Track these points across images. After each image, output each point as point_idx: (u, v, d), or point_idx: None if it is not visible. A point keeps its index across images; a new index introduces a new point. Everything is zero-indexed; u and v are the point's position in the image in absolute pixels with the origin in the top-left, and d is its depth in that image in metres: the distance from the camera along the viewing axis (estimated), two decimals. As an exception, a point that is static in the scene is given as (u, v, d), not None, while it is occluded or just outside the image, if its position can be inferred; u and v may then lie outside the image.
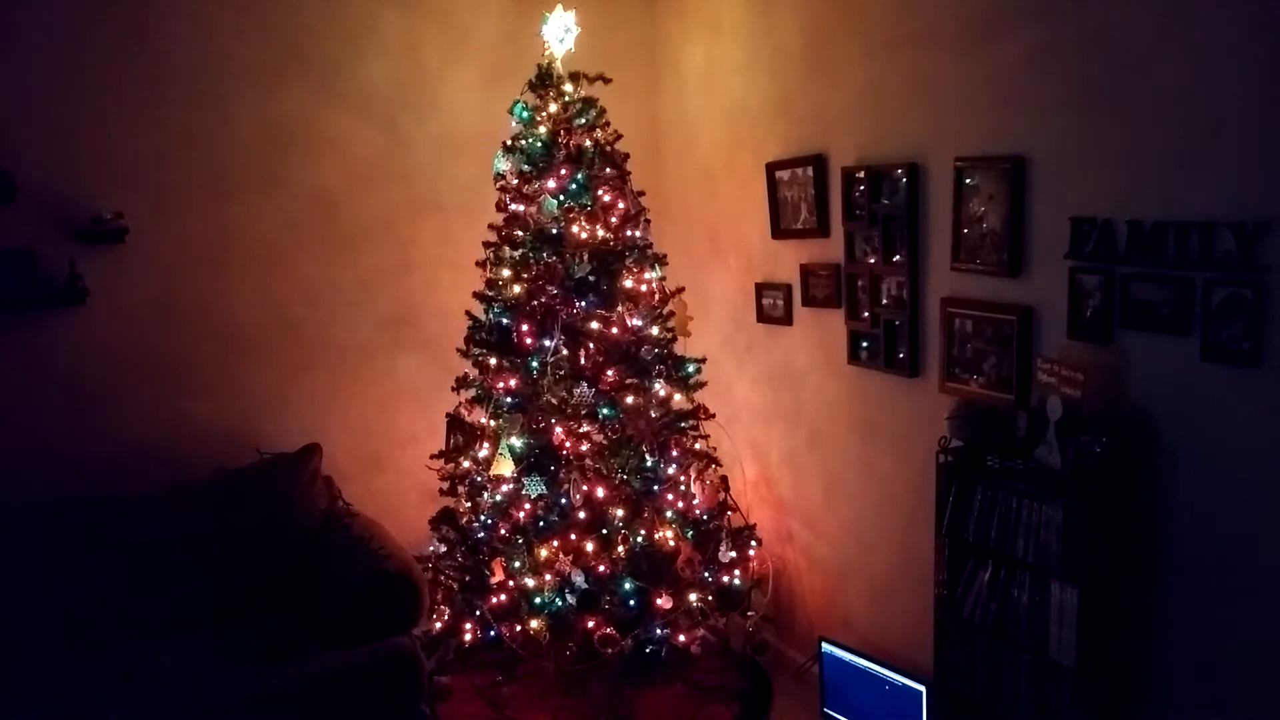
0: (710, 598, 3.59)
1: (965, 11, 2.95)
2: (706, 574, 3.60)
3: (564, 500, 3.49)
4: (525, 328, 3.49)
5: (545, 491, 3.48)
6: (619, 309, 3.53)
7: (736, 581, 3.71)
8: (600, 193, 3.55)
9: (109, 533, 3.38)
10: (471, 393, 3.68)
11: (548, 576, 3.44)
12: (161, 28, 3.68)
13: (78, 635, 3.22)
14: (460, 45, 4.26)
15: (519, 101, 3.60)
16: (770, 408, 4.14)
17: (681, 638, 3.53)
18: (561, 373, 3.49)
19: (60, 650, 3.17)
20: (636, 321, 3.54)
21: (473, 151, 4.20)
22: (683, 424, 3.64)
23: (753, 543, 3.86)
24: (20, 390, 3.55)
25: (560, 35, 3.58)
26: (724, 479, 3.90)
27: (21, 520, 3.31)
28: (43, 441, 3.59)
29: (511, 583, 3.51)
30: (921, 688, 3.19)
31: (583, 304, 3.48)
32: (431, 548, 3.79)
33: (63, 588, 3.26)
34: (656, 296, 3.66)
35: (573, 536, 3.45)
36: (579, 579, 3.44)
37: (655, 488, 3.54)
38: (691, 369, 3.70)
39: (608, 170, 3.59)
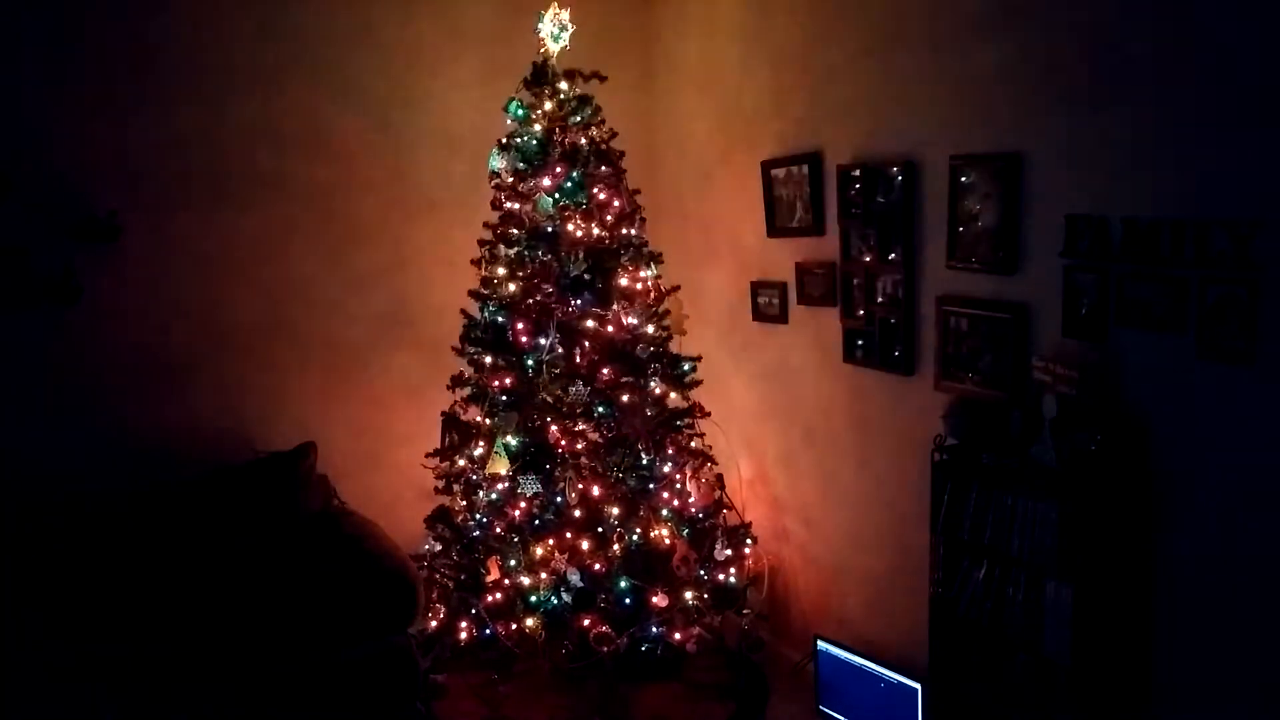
0: (706, 596, 3.59)
1: (961, 9, 2.95)
2: (702, 572, 3.59)
3: (559, 499, 3.48)
4: (520, 326, 3.48)
5: (540, 490, 3.47)
6: (614, 307, 3.52)
7: (732, 580, 3.71)
8: (595, 191, 3.54)
9: (103, 530, 3.37)
10: (467, 391, 3.68)
11: (543, 575, 3.44)
12: (157, 25, 3.66)
13: (70, 633, 3.21)
14: (455, 43, 4.25)
15: (514, 99, 3.59)
16: (766, 406, 4.14)
17: (677, 636, 3.52)
18: (557, 371, 3.48)
19: (53, 648, 3.16)
20: (632, 320, 3.54)
21: (468, 149, 4.19)
22: (678, 422, 3.64)
23: (748, 541, 3.85)
24: (13, 389, 3.54)
25: (555, 33, 3.57)
26: (719, 477, 3.90)
27: (13, 519, 3.30)
28: (34, 440, 3.58)
29: (507, 581, 3.51)
30: (917, 686, 3.20)
31: (578, 302, 3.48)
32: (427, 546, 3.78)
33: (56, 586, 3.25)
34: (652, 295, 3.65)
35: (568, 535, 3.45)
36: (574, 577, 3.44)
37: (651, 486, 3.53)
38: (687, 367, 3.69)
39: (603, 168, 3.58)
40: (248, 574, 3.51)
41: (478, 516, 3.61)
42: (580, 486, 3.44)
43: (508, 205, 3.60)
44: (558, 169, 3.48)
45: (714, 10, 4.16)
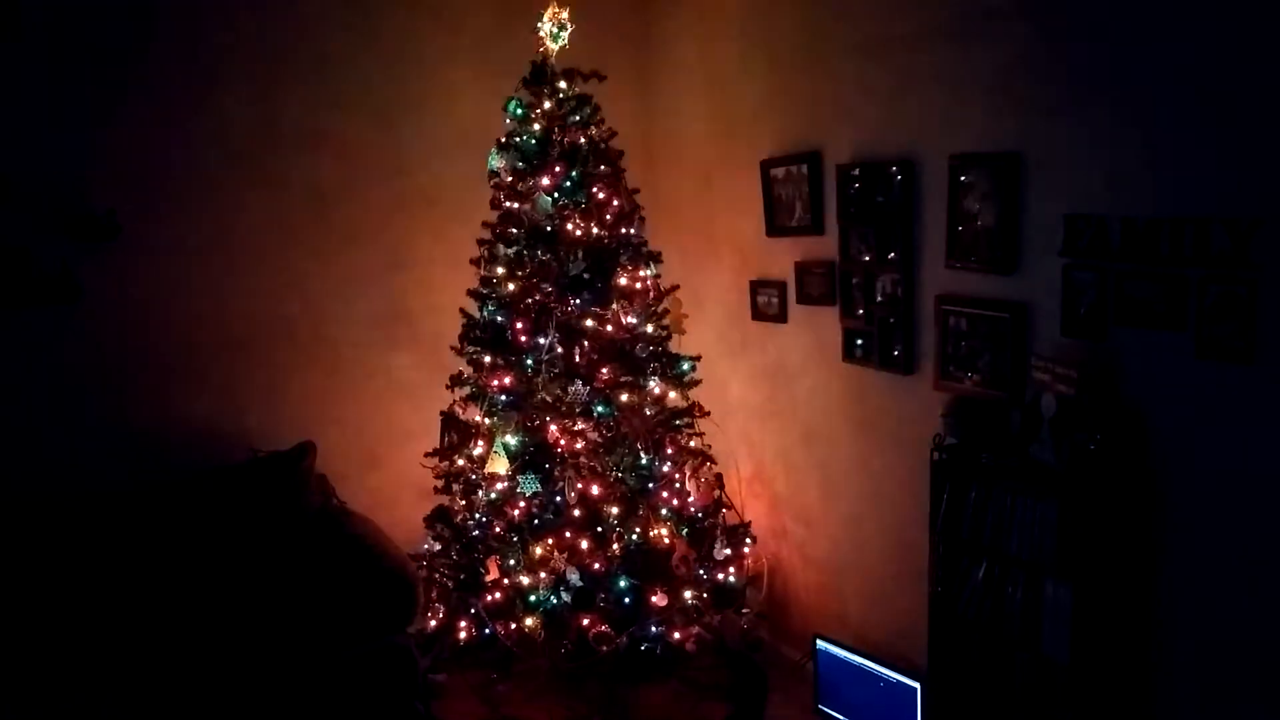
0: (705, 595, 3.59)
1: (960, 8, 2.95)
2: (701, 571, 3.60)
3: (559, 498, 3.48)
4: (520, 325, 3.48)
5: (540, 489, 3.48)
6: (614, 306, 3.52)
7: (731, 579, 3.71)
8: (594, 190, 3.54)
9: (100, 530, 3.37)
10: (466, 390, 3.68)
11: (543, 574, 3.44)
12: (156, 22, 3.66)
13: (67, 632, 3.21)
14: (455, 41, 4.25)
15: (513, 98, 3.59)
16: (765, 405, 4.14)
17: (676, 635, 3.53)
18: (556, 370, 3.48)
19: (52, 647, 3.16)
20: (631, 319, 3.54)
21: (467, 148, 4.18)
22: (677, 422, 3.64)
23: (747, 540, 3.85)
24: (11, 388, 3.53)
25: (554, 32, 3.57)
26: (719, 476, 3.90)
27: (11, 517, 3.30)
28: (33, 439, 3.57)
29: (506, 580, 3.51)
30: (916, 685, 3.20)
31: (577, 301, 3.48)
32: (426, 546, 3.79)
33: (53, 585, 3.24)
34: (651, 294, 3.65)
35: (568, 534, 3.45)
36: (574, 577, 3.44)
37: (650, 485, 3.54)
38: (686, 366, 3.69)
39: (602, 167, 3.59)
40: (246, 574, 3.50)
41: (477, 516, 3.62)
42: (579, 486, 3.44)
43: (507, 204, 3.60)
44: (557, 168, 3.48)
45: (713, 9, 4.16)
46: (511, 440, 3.48)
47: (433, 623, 3.67)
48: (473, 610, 3.57)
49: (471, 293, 3.70)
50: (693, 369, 3.71)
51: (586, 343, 3.50)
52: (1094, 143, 2.57)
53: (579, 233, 3.48)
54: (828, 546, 3.88)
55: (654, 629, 3.50)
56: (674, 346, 3.79)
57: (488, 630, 3.56)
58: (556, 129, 3.55)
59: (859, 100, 3.40)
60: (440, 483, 3.75)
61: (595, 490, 3.44)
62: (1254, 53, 2.20)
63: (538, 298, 3.51)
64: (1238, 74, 2.23)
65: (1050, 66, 2.67)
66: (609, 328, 3.50)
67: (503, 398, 3.54)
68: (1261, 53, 2.18)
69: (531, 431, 3.51)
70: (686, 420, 3.69)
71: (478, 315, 3.68)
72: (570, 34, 3.58)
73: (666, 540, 3.51)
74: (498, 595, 3.53)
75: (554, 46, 3.57)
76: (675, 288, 3.82)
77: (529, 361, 3.50)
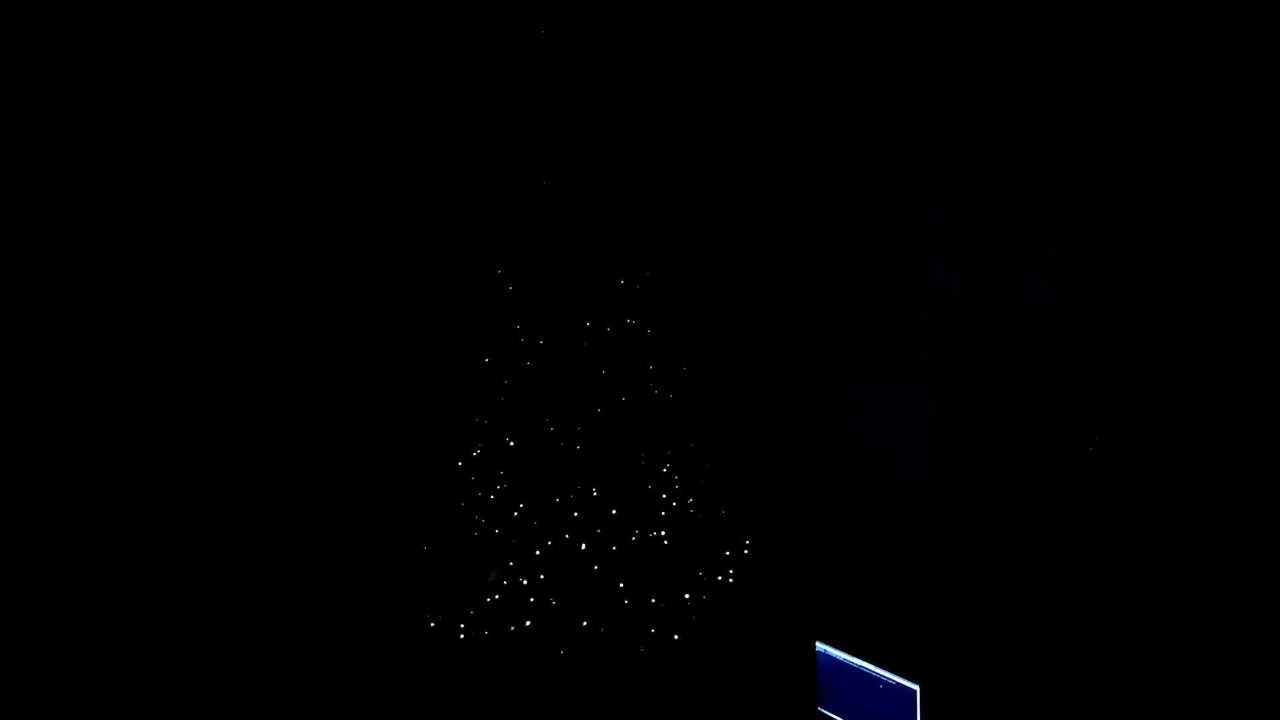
0: (705, 596, 3.58)
1: (960, 10, 2.95)
2: (700, 572, 3.59)
3: (558, 498, 3.48)
4: (521, 326, 3.49)
5: (540, 489, 3.47)
6: (615, 306, 3.52)
7: (731, 579, 3.70)
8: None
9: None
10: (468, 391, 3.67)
11: (542, 575, 3.44)
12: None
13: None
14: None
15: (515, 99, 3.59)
16: (764, 405, 4.13)
17: (676, 635, 3.52)
18: (558, 370, 3.49)
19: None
20: (632, 319, 3.54)
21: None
22: (678, 421, 3.63)
23: (746, 540, 3.85)
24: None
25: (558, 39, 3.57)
26: (718, 477, 3.89)
27: None
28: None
29: (505, 581, 3.50)
30: (915, 687, 3.19)
31: (577, 301, 3.48)
32: (427, 547, 3.78)
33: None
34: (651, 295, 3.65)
35: (567, 535, 3.45)
36: (573, 577, 3.43)
37: (650, 485, 3.53)
38: (686, 367, 3.68)
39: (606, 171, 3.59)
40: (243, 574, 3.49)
41: (477, 517, 3.61)
42: (579, 486, 3.44)
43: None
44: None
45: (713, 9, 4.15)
46: (511, 441, 3.47)
47: (431, 624, 3.66)
48: (472, 611, 3.57)
49: (478, 293, 3.69)
50: (692, 369, 3.70)
51: (587, 343, 3.50)
52: (1091, 145, 2.57)
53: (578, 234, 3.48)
54: (825, 547, 3.87)
55: (653, 629, 3.50)
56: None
57: (487, 631, 3.55)
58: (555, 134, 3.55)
59: (857, 101, 3.39)
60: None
61: (595, 491, 3.44)
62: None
63: (540, 296, 3.51)
64: (1232, 73, 2.23)
65: (1050, 68, 2.67)
66: (609, 327, 3.50)
67: (503, 399, 3.54)
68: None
69: (531, 431, 3.51)
70: (687, 420, 3.69)
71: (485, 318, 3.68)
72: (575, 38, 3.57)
73: (666, 541, 3.50)
74: (497, 596, 3.52)
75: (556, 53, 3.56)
76: (675, 288, 3.81)
77: (531, 362, 3.50)
